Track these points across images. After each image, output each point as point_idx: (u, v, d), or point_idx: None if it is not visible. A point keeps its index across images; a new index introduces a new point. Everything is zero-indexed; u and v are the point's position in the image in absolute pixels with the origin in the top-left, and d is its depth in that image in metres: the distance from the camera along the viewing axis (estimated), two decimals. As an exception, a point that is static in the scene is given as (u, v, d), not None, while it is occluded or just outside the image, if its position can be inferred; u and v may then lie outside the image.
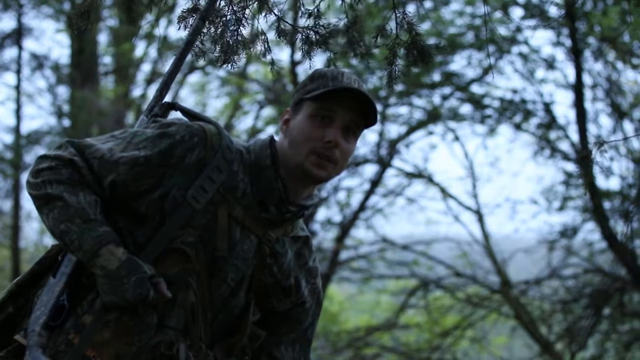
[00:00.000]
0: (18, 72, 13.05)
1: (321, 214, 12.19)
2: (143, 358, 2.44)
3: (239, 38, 3.11)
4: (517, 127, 11.58)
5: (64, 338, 2.43)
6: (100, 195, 2.49)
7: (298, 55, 10.49)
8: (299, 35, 3.15)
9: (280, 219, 2.59)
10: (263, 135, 2.70)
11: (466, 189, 13.20)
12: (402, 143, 12.14)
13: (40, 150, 12.54)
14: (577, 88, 10.21)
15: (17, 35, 12.78)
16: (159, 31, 12.72)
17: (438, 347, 12.31)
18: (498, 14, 9.62)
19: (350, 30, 3.11)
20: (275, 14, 3.15)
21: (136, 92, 14.01)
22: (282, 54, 11.76)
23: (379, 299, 14.56)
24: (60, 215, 2.43)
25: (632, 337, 10.80)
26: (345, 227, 12.19)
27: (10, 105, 14.60)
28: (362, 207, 12.36)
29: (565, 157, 11.26)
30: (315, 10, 3.11)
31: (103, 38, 14.15)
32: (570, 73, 10.65)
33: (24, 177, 12.00)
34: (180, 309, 2.48)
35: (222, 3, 3.12)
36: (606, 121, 13.74)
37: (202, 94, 13.95)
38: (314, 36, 3.12)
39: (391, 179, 12.67)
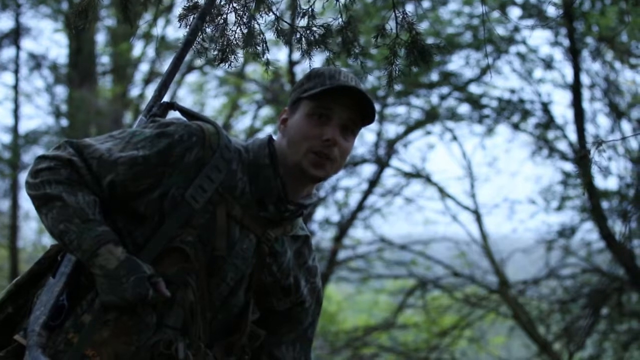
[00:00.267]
0: (16, 71, 13.05)
1: (319, 213, 12.21)
2: (142, 357, 2.44)
3: (238, 37, 3.11)
4: (515, 127, 11.58)
5: (63, 337, 2.43)
6: (99, 195, 2.49)
7: (296, 55, 10.51)
8: (298, 35, 3.15)
9: (279, 218, 2.59)
10: (261, 135, 2.68)
11: (464, 189, 13.23)
12: (400, 143, 12.16)
13: (38, 150, 12.54)
14: (575, 88, 10.22)
15: (15, 34, 12.78)
16: (157, 31, 12.71)
17: (436, 347, 12.31)
18: (496, 14, 9.62)
19: (345, 30, 3.11)
20: (274, 13, 3.15)
21: (134, 91, 14.03)
22: (280, 54, 11.77)
23: (377, 299, 14.58)
24: (59, 215, 2.43)
25: (630, 337, 10.80)
26: (343, 227, 12.20)
27: (8, 105, 14.59)
28: (360, 206, 12.37)
29: (564, 156, 11.27)
30: (310, 10, 3.11)
31: (101, 38, 14.16)
32: (568, 73, 10.64)
33: (22, 176, 12.03)
34: (179, 308, 2.48)
35: (222, 2, 3.12)
36: (604, 121, 13.76)
37: (200, 94, 13.96)
38: (312, 36, 3.12)
39: (389, 178, 12.69)
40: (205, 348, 2.54)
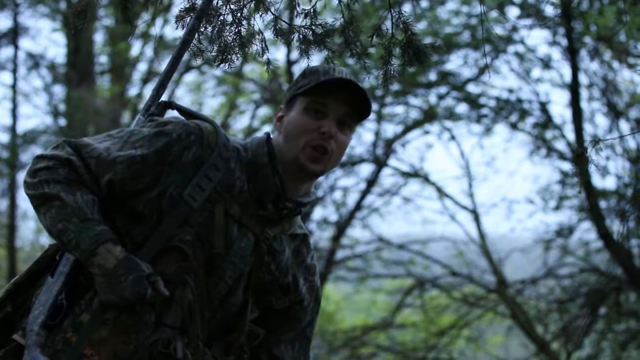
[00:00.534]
0: (14, 71, 13.04)
1: (317, 213, 12.20)
2: (140, 356, 2.45)
3: (236, 37, 3.11)
4: (513, 126, 11.58)
5: (61, 337, 2.43)
6: (97, 194, 2.49)
7: (294, 55, 10.51)
8: (296, 35, 3.15)
9: (278, 217, 2.59)
10: (259, 135, 2.69)
11: (462, 189, 13.26)
12: (398, 142, 12.16)
13: (37, 150, 12.53)
14: (573, 87, 10.22)
15: (13, 34, 12.77)
16: (155, 30, 12.71)
17: (434, 347, 12.31)
18: (494, 14, 9.63)
19: (347, 29, 3.11)
20: (272, 13, 3.15)
21: (132, 91, 14.01)
22: (279, 54, 11.77)
23: (375, 299, 14.57)
24: (58, 215, 2.43)
25: (628, 337, 10.80)
26: (341, 227, 12.19)
27: (6, 105, 14.59)
28: (358, 206, 12.36)
29: (561, 156, 11.27)
30: (312, 10, 3.11)
31: (99, 37, 14.14)
32: (567, 72, 10.63)
33: (20, 176, 12.03)
34: (178, 307, 2.48)
35: (220, 2, 3.12)
36: (602, 120, 13.73)
37: (199, 93, 13.95)
38: (310, 35, 3.12)
39: (387, 178, 12.69)
40: (204, 347, 2.54)
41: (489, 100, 11.55)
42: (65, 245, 2.45)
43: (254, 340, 2.67)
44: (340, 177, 12.08)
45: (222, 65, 3.15)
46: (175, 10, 3.10)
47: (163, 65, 2.92)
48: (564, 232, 11.32)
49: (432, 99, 11.70)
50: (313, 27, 3.10)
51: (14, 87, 13.13)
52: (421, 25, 3.15)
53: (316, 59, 3.16)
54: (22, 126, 14.00)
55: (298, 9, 3.17)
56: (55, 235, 2.45)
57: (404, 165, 12.31)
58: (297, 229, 2.70)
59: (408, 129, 12.11)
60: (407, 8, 3.25)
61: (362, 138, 12.10)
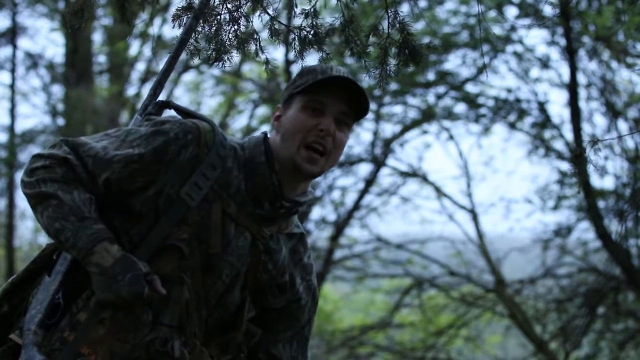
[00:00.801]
0: (12, 70, 13.05)
1: (316, 212, 12.20)
2: (137, 355, 2.45)
3: (233, 37, 3.12)
4: (512, 126, 11.58)
5: (58, 336, 2.43)
6: (94, 193, 2.49)
7: (292, 55, 10.51)
8: (293, 35, 3.15)
9: (274, 216, 2.59)
10: (257, 134, 2.69)
11: (461, 188, 13.24)
12: (397, 142, 12.15)
13: (35, 149, 12.53)
14: (572, 87, 10.22)
15: (12, 34, 12.77)
16: (153, 30, 12.72)
17: (432, 346, 12.31)
18: (492, 13, 9.63)
19: (347, 29, 3.11)
20: (269, 14, 3.15)
21: (130, 91, 14.02)
22: (277, 53, 11.77)
23: (373, 298, 14.57)
24: (55, 214, 2.43)
25: (626, 336, 10.81)
26: (339, 226, 12.20)
27: (4, 104, 14.60)
28: (357, 206, 12.36)
29: (560, 156, 11.27)
30: (312, 10, 3.11)
31: (97, 37, 14.17)
32: (565, 72, 10.63)
33: (19, 175, 12.02)
34: (175, 305, 2.48)
35: (217, 2, 3.12)
36: (600, 120, 13.78)
37: (197, 93, 13.96)
38: (307, 35, 3.12)
39: (385, 178, 12.69)
40: (201, 346, 2.54)
41: (488, 100, 11.55)
42: (63, 244, 2.45)
43: (251, 340, 2.67)
44: (338, 176, 12.09)
45: (219, 65, 3.15)
46: (173, 10, 3.10)
47: (161, 65, 2.92)
48: (563, 231, 11.33)
49: (431, 98, 11.71)
50: (310, 28, 3.10)
51: (12, 86, 13.14)
52: (419, 25, 3.15)
53: (313, 59, 3.17)
54: (21, 126, 14.01)
55: (296, 9, 3.16)
56: (52, 234, 2.45)
57: (402, 165, 12.32)
58: (294, 228, 2.70)
59: (406, 128, 12.11)
60: (405, 8, 3.25)
61: (361, 138, 12.11)
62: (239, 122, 13.81)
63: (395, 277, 12.84)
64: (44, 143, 12.65)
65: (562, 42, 10.28)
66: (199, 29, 3.07)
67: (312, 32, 3.10)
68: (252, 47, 3.15)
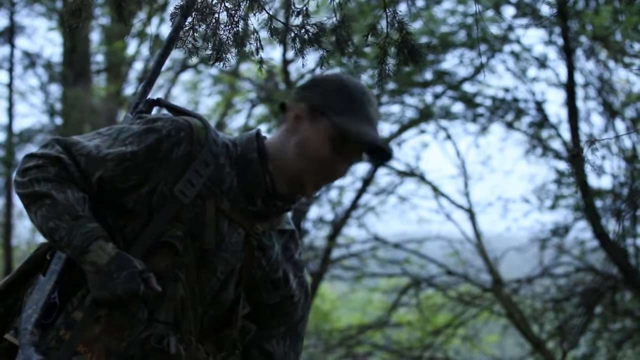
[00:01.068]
0: (10, 70, 13.06)
1: (313, 212, 12.20)
2: (133, 352, 2.45)
3: (231, 36, 3.12)
4: (509, 125, 11.58)
5: (54, 335, 2.44)
6: (88, 192, 2.49)
7: (290, 54, 10.51)
8: (291, 34, 3.16)
9: (267, 213, 2.60)
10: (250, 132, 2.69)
11: (458, 188, 13.24)
12: (394, 141, 12.15)
13: (33, 148, 12.52)
14: (569, 87, 10.22)
15: (10, 33, 12.78)
16: (151, 29, 12.72)
17: (430, 346, 12.32)
18: (490, 13, 9.63)
19: (339, 29, 3.12)
20: (267, 12, 3.15)
21: (128, 90, 14.02)
22: (275, 53, 11.75)
23: (370, 298, 14.58)
24: (49, 213, 2.43)
25: (623, 336, 10.82)
26: (337, 226, 12.19)
27: (2, 103, 14.60)
28: (354, 205, 12.36)
29: (557, 155, 11.27)
30: (304, 9, 3.12)
31: (95, 36, 14.17)
32: (562, 72, 10.65)
33: (16, 175, 12.05)
34: (170, 302, 2.49)
35: (215, 0, 3.13)
36: (598, 120, 13.79)
37: (195, 92, 13.96)
38: (305, 35, 3.12)
39: (383, 177, 12.68)
40: (197, 343, 2.54)
41: (485, 100, 11.54)
42: (57, 243, 2.45)
43: (246, 336, 2.68)
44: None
45: (217, 64, 3.16)
46: (171, 9, 3.11)
47: (152, 63, 2.93)
48: (560, 231, 11.33)
49: (428, 98, 11.70)
50: (306, 27, 3.10)
51: (10, 85, 13.15)
52: (417, 25, 3.16)
53: (311, 58, 3.17)
54: (19, 125, 13.98)
55: (293, 7, 3.17)
56: (46, 233, 2.45)
57: (399, 164, 12.32)
58: (285, 225, 2.71)
59: (404, 128, 12.11)
60: (402, 7, 3.25)
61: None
62: (236, 122, 13.82)
63: (392, 277, 12.84)
64: (41, 142, 12.63)
65: (560, 41, 10.28)
66: (197, 27, 3.08)
67: (310, 32, 3.11)
68: (250, 47, 3.15)
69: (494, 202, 12.04)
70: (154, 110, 2.79)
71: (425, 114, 11.73)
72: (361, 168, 12.20)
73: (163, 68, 2.98)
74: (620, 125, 10.58)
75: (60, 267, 2.49)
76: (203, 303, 2.55)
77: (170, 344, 2.47)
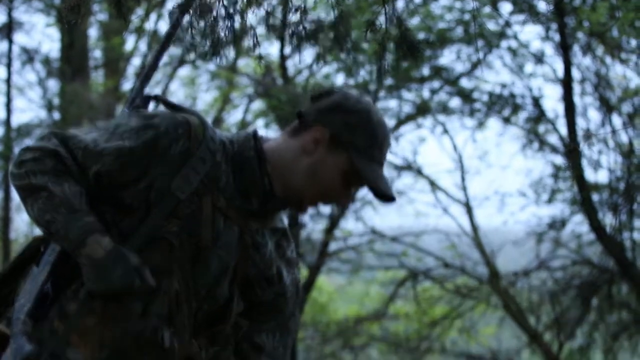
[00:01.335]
0: (8, 65, 13.04)
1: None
2: (127, 344, 2.47)
3: (229, 32, 3.14)
4: (506, 120, 11.60)
5: (48, 326, 2.45)
6: (85, 186, 2.50)
7: (287, 50, 10.51)
8: (289, 30, 3.18)
9: (263, 212, 2.62)
10: (254, 130, 2.70)
11: (455, 182, 13.26)
12: (392, 136, 12.15)
13: (31, 143, 12.53)
14: (566, 82, 10.21)
15: (8, 29, 12.77)
16: (149, 25, 12.71)
17: (427, 337, 12.37)
18: (487, 9, 9.65)
19: (337, 26, 3.14)
20: (265, 9, 3.17)
21: (126, 85, 14.00)
22: (272, 48, 11.77)
23: (368, 290, 14.59)
24: (45, 206, 2.43)
25: (619, 328, 10.86)
26: (334, 219, 12.21)
27: (0, 99, 14.60)
28: (352, 199, 12.37)
29: (554, 150, 11.27)
30: (302, 5, 3.13)
31: (93, 32, 14.14)
32: (559, 67, 10.62)
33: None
34: (165, 296, 2.49)
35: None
36: (595, 115, 13.76)
37: (192, 88, 13.95)
38: (303, 31, 3.14)
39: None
40: (190, 337, 2.56)
41: (482, 95, 11.56)
42: (53, 236, 2.46)
43: (239, 332, 2.70)
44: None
45: (214, 59, 3.17)
46: (169, 5, 3.13)
47: (149, 59, 2.93)
48: (557, 224, 11.34)
49: (425, 93, 11.71)
50: (303, 24, 3.12)
51: (8, 81, 13.14)
52: (414, 21, 3.18)
53: (308, 54, 3.20)
54: (17, 120, 14.01)
55: (291, 4, 3.19)
56: (43, 226, 2.45)
57: (397, 158, 12.34)
58: (278, 223, 2.72)
59: (401, 122, 12.12)
60: (400, 4, 3.28)
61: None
62: (234, 117, 13.83)
63: (390, 269, 12.87)
64: (38, 135, 12.65)
65: (557, 37, 10.28)
66: (195, 23, 3.10)
67: (307, 28, 3.13)
68: (248, 42, 3.17)
69: (490, 196, 12.08)
70: (151, 107, 2.79)
71: (422, 109, 11.75)
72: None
73: (160, 63, 2.98)
74: (617, 120, 10.61)
75: (54, 258, 2.50)
76: (197, 298, 2.55)
77: (164, 337, 2.49)
